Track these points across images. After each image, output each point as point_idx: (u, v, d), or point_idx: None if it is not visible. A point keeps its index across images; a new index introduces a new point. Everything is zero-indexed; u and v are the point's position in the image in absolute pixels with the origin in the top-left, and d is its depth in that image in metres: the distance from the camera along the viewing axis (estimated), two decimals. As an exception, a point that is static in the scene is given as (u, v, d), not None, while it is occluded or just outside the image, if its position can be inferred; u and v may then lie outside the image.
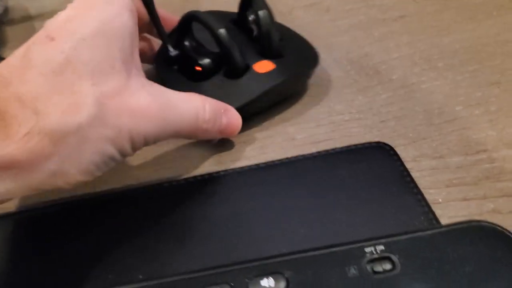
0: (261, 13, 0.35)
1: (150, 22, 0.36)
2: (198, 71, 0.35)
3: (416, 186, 0.31)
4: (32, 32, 0.46)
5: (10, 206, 0.32)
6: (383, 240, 0.24)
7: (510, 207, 0.30)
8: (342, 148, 0.34)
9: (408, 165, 0.33)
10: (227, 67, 0.35)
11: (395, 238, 0.24)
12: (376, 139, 0.35)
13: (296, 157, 0.34)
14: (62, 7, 0.49)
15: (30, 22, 0.48)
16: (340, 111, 0.37)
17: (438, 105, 0.37)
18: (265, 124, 0.36)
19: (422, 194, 0.31)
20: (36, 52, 0.25)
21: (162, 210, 0.31)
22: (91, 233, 0.30)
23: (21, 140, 0.23)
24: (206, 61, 0.35)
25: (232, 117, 0.33)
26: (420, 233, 0.24)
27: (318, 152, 0.34)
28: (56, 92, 0.24)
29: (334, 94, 0.38)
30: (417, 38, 0.43)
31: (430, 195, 0.31)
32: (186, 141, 0.36)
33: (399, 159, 0.33)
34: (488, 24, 0.44)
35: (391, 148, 0.34)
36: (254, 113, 0.36)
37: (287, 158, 0.34)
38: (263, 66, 0.35)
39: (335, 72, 0.40)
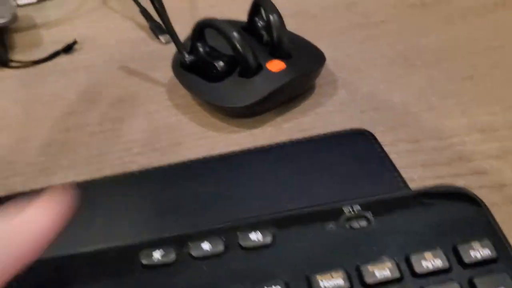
0: (272, 16, 0.38)
1: None
2: (214, 73, 0.38)
3: (393, 165, 0.34)
4: (38, 39, 0.49)
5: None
6: (359, 200, 0.27)
7: (480, 183, 0.33)
8: (326, 134, 0.37)
9: (386, 148, 0.35)
10: (241, 67, 0.38)
11: (370, 199, 0.27)
12: (356, 127, 0.37)
13: (284, 142, 0.37)
14: (66, 17, 0.52)
15: (36, 30, 0.51)
16: (323, 104, 0.40)
17: (415, 97, 0.40)
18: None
19: (398, 172, 0.33)
20: None
21: (167, 190, 0.34)
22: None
23: None
24: (221, 63, 0.38)
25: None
26: (392, 195, 0.27)
27: (304, 138, 0.37)
28: None
29: (319, 89, 0.41)
30: (396, 40, 0.46)
31: (406, 173, 0.33)
32: (179, 132, 0.39)
33: (377, 142, 0.36)
34: (463, 27, 0.47)
35: (370, 134, 0.36)
36: (266, 110, 0.39)
37: (276, 143, 0.36)
38: (275, 65, 0.38)
39: (320, 70, 0.43)
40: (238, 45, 0.37)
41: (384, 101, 0.40)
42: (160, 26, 0.49)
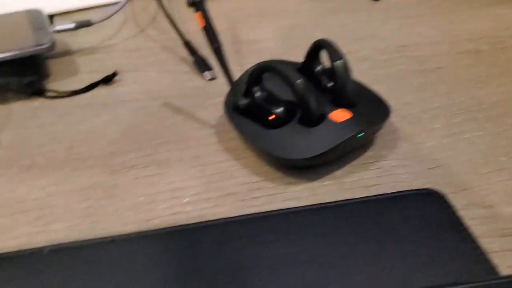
0: (338, 63, 0.36)
1: None
2: (271, 119, 0.35)
3: (470, 234, 0.31)
4: (73, 67, 0.47)
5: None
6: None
7: None
8: (393, 193, 0.34)
9: (459, 213, 0.33)
10: (303, 115, 0.35)
11: (468, 286, 0.24)
12: (425, 186, 0.35)
13: (347, 200, 0.34)
14: (102, 45, 0.50)
15: (70, 56, 0.49)
16: (385, 157, 0.37)
17: (482, 155, 0.37)
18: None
19: (477, 242, 0.31)
20: None
21: (214, 249, 0.31)
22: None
23: None
24: (280, 110, 0.35)
25: None
26: (487, 283, 0.24)
27: (369, 197, 0.34)
28: None
29: (379, 139, 0.39)
30: (454, 89, 0.44)
31: (484, 243, 0.31)
32: (231, 180, 0.36)
33: (450, 206, 0.33)
34: (522, 79, 0.45)
35: (442, 196, 0.34)
36: (326, 162, 0.36)
37: (339, 201, 0.34)
38: (339, 115, 0.35)
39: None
40: (302, 93, 0.34)
41: (450, 158, 0.37)
42: (204, 61, 0.47)
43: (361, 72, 0.46)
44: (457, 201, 0.34)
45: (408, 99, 0.43)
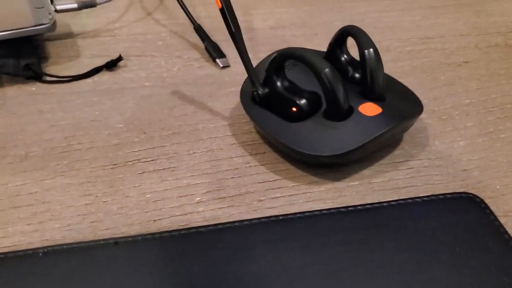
0: (368, 52, 0.32)
1: None
2: (294, 111, 0.32)
3: (516, 244, 0.28)
4: (74, 50, 0.43)
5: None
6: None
7: None
8: (428, 196, 0.31)
9: (501, 220, 0.30)
10: (330, 108, 0.32)
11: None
12: (461, 190, 0.32)
13: (378, 203, 0.31)
14: (105, 28, 0.46)
15: (72, 39, 0.45)
16: (416, 156, 0.34)
17: (522, 157, 0.34)
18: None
19: (524, 254, 0.28)
20: None
21: (228, 255, 0.28)
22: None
23: None
24: (303, 101, 0.32)
25: None
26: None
27: (402, 200, 0.31)
28: None
29: (408, 137, 0.36)
30: (486, 85, 0.41)
31: (531, 255, 0.28)
32: (248, 178, 0.32)
33: (491, 213, 0.30)
34: (558, 76, 0.42)
35: (481, 200, 0.31)
36: (353, 160, 0.33)
37: (368, 204, 0.31)
38: (369, 109, 0.32)
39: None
40: (331, 84, 0.31)
41: (486, 159, 0.34)
42: (217, 47, 0.43)
43: (385, 64, 0.43)
44: (497, 207, 0.31)
45: (436, 93, 0.40)
